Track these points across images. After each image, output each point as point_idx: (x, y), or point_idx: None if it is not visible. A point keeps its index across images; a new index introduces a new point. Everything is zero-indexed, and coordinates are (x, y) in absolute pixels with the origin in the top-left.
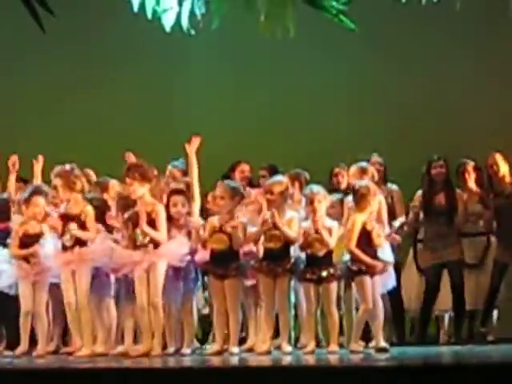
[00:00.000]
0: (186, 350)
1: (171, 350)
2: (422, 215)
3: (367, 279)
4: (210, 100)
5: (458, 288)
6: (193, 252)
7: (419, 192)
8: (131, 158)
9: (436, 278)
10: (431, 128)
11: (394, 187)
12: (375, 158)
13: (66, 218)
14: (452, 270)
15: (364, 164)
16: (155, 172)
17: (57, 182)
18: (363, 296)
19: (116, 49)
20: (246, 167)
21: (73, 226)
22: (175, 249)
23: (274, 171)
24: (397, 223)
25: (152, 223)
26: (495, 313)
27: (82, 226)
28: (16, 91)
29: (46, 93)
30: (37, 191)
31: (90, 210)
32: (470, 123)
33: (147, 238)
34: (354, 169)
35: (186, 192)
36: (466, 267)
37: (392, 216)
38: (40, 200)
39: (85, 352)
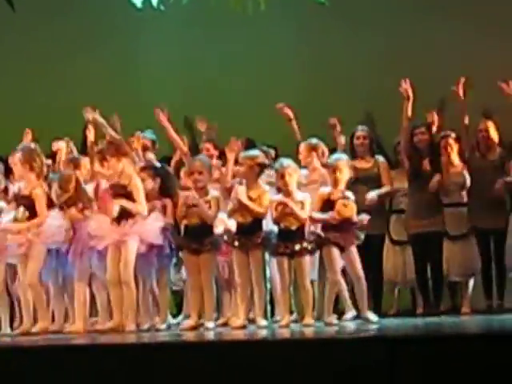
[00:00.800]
0: (161, 326)
1: (146, 325)
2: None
3: (334, 250)
4: (181, 75)
5: (436, 259)
6: (167, 227)
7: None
8: None
9: (420, 247)
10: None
11: (381, 159)
12: (359, 131)
13: (17, 198)
14: (432, 241)
15: (314, 140)
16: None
17: (18, 156)
18: (331, 267)
19: (88, 22)
20: (206, 145)
21: (22, 209)
22: (148, 226)
23: (250, 146)
24: (382, 190)
25: (129, 196)
26: (471, 284)
27: (32, 207)
28: None
29: (21, 67)
30: None
31: (39, 192)
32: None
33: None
34: (303, 145)
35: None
36: (448, 238)
37: (379, 187)
38: None
39: (40, 326)
